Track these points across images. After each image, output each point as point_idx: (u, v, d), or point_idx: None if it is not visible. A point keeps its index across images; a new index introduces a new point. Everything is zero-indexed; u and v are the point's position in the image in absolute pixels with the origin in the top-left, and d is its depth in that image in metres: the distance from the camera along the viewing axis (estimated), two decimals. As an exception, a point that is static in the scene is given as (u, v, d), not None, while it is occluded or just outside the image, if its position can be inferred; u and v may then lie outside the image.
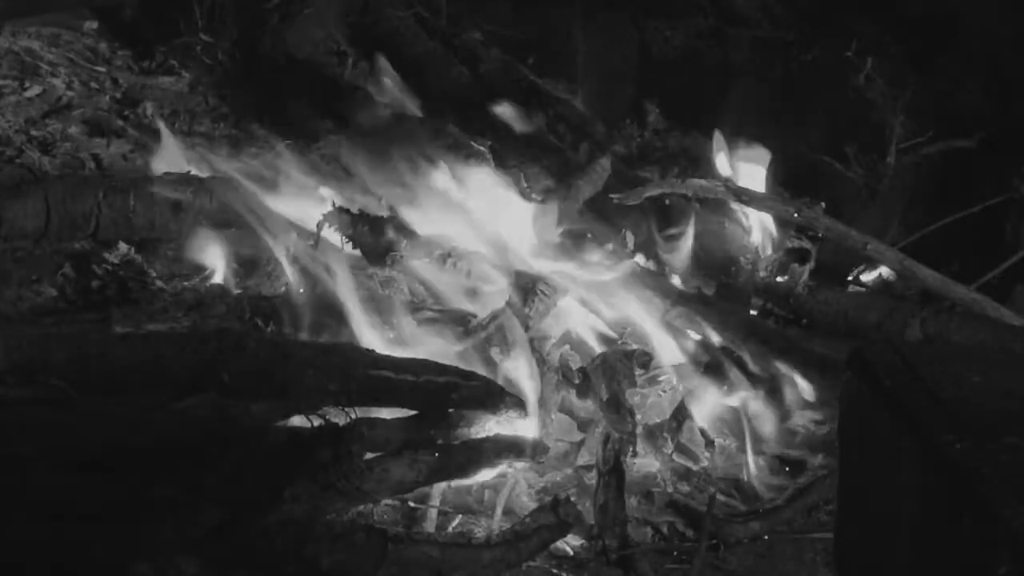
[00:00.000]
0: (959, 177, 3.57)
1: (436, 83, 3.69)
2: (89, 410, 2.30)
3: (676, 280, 3.01)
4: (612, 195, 3.09)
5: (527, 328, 2.65)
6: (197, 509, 2.05)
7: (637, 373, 2.76)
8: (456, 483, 2.44)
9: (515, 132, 3.43)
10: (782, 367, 2.70)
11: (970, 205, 3.39)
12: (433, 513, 2.38)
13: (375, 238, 2.89)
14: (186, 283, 2.94)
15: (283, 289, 2.93)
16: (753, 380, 2.77)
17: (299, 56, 3.71)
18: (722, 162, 3.20)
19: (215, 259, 2.97)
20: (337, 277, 2.74)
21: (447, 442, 2.41)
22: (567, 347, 2.81)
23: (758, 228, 3.10)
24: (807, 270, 2.96)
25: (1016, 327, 2.80)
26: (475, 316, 2.77)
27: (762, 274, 3.00)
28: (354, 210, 2.91)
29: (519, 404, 2.49)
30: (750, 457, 2.63)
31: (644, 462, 2.60)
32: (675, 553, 2.38)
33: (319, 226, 2.86)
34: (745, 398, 2.75)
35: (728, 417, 2.77)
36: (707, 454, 2.68)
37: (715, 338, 2.78)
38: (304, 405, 2.42)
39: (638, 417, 2.63)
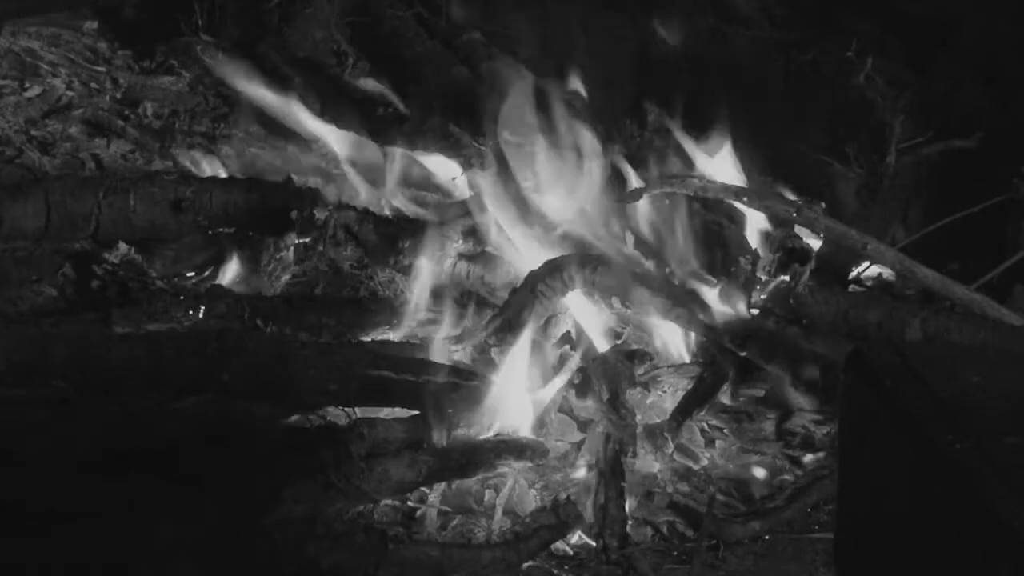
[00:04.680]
0: (959, 177, 3.56)
1: (436, 83, 3.69)
2: (89, 410, 2.30)
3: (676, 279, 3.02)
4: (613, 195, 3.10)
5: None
6: (197, 509, 2.05)
7: (637, 373, 2.77)
8: (456, 483, 2.44)
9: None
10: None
11: (970, 205, 3.39)
12: (433, 513, 2.38)
13: (379, 236, 2.89)
14: (186, 283, 2.94)
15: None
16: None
17: (299, 56, 3.70)
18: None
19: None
20: None
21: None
22: (567, 347, 2.81)
23: (757, 228, 3.10)
24: (807, 270, 2.96)
25: (1016, 327, 2.80)
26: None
27: (762, 275, 3.00)
28: (359, 207, 2.92)
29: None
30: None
31: (644, 462, 2.60)
32: (675, 553, 2.38)
33: (325, 222, 2.86)
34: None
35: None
36: (707, 454, 2.68)
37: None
38: (304, 405, 2.42)
39: (638, 417, 2.63)
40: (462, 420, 2.44)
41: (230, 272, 2.95)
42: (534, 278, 2.76)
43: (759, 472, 2.65)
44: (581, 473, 2.51)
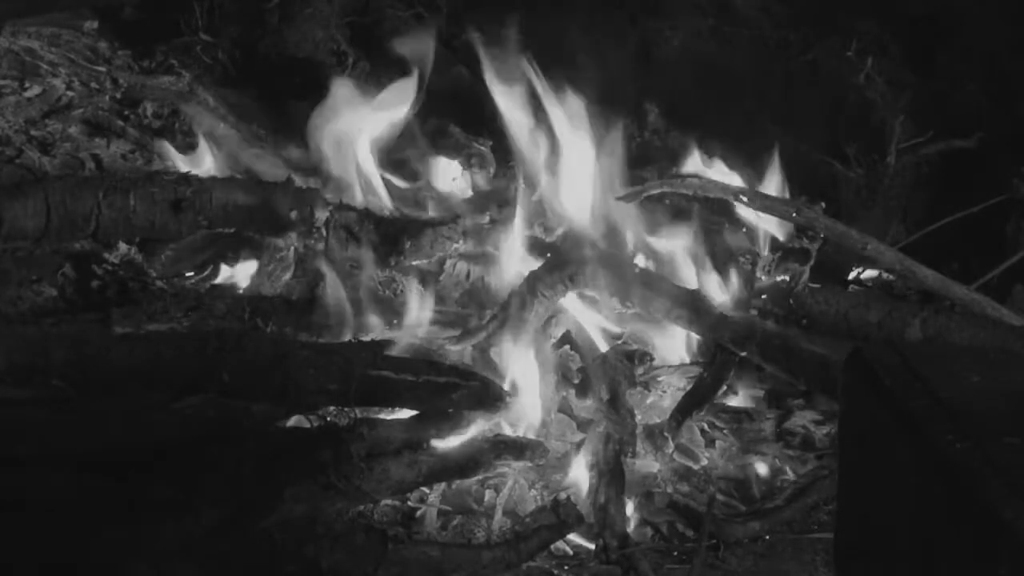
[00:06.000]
0: (959, 177, 3.57)
1: (436, 83, 3.69)
2: (89, 410, 2.30)
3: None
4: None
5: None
6: (197, 509, 2.05)
7: (637, 373, 2.77)
8: (456, 483, 2.44)
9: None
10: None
11: (970, 205, 3.39)
12: (433, 513, 2.38)
13: (380, 237, 2.89)
14: (186, 283, 2.94)
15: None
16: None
17: (299, 56, 3.71)
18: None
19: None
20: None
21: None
22: (567, 347, 2.81)
23: (757, 228, 3.10)
24: (807, 270, 2.96)
25: (1016, 327, 2.80)
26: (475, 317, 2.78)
27: (761, 275, 3.00)
28: (360, 207, 2.92)
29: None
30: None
31: (644, 462, 2.60)
32: (675, 553, 2.38)
33: (327, 223, 2.86)
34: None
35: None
36: (707, 454, 2.68)
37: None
38: (304, 405, 2.42)
39: (638, 417, 2.63)
40: (462, 420, 2.44)
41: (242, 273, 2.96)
42: (534, 278, 2.76)
43: (760, 471, 2.65)
44: (581, 473, 2.51)
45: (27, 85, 3.54)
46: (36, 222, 2.84)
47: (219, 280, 2.98)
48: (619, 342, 2.84)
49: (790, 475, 2.65)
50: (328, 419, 2.41)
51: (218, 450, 2.20)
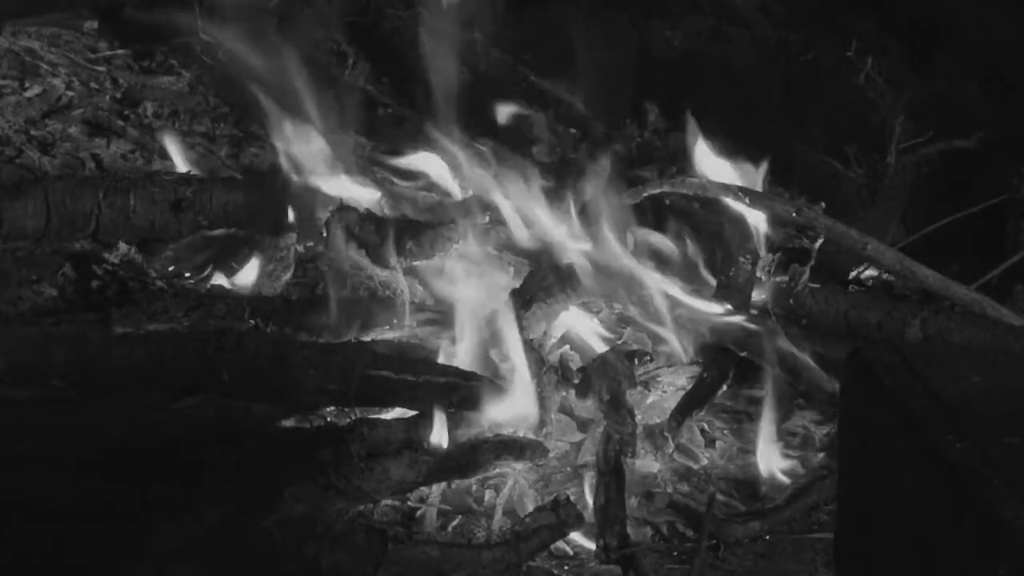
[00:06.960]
0: (959, 177, 3.57)
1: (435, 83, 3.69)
2: (89, 410, 2.31)
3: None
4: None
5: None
6: (197, 509, 2.06)
7: (637, 373, 2.77)
8: (456, 483, 2.44)
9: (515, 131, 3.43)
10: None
11: (970, 205, 3.39)
12: (433, 513, 2.38)
13: (380, 237, 2.89)
14: (186, 283, 2.95)
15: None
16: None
17: (299, 56, 3.71)
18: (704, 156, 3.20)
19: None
20: None
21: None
22: (567, 347, 2.81)
23: (757, 228, 3.10)
24: (807, 270, 2.96)
25: (1016, 327, 2.80)
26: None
27: (760, 275, 3.00)
28: (360, 208, 2.92)
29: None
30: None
31: (644, 462, 2.60)
32: (675, 553, 2.38)
33: (327, 224, 2.86)
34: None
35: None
36: (707, 454, 2.68)
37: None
38: (304, 405, 2.43)
39: (638, 417, 2.63)
40: (462, 420, 2.44)
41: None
42: (534, 279, 2.76)
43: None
44: (581, 473, 2.51)
45: (27, 85, 3.54)
46: (36, 222, 2.85)
47: (219, 280, 2.97)
48: (619, 342, 2.84)
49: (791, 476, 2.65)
50: (328, 419, 2.41)
51: (218, 450, 2.20)
